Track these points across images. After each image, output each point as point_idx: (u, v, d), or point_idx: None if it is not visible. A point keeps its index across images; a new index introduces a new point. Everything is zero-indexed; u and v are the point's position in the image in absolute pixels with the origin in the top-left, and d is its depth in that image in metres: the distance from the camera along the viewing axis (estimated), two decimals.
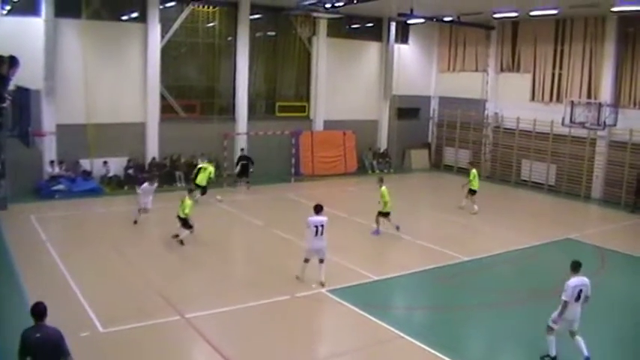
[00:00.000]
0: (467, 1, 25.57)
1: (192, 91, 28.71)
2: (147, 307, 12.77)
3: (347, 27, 32.31)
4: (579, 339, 10.67)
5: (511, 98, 31.30)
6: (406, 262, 16.70)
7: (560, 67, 29.19)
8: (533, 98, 30.48)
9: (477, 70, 33.25)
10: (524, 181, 30.51)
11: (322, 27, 31.00)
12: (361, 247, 18.69)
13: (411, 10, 26.79)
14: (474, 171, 23.66)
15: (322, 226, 13.89)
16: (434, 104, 35.93)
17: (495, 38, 32.13)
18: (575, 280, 10.55)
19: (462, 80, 33.78)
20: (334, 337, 12.49)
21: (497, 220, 22.70)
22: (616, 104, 26.85)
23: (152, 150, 26.74)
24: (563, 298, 10.48)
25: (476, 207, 23.22)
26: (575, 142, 28.33)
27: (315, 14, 28.74)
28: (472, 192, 23.69)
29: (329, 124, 31.72)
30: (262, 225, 20.21)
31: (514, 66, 31.61)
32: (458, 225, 21.81)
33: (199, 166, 23.62)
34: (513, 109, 31.00)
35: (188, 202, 17.24)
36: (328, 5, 24.85)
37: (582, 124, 27.31)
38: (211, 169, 23.24)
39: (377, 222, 19.43)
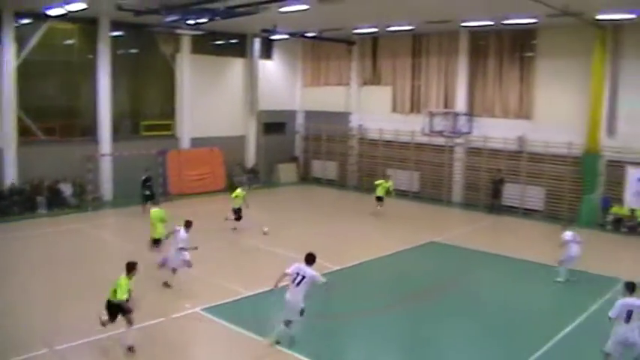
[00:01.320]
0: (328, 18, 26.22)
1: (52, 112, 27.06)
2: (14, 340, 11.70)
3: (211, 43, 32.01)
4: None
5: (373, 110, 32.58)
6: (277, 275, 16.59)
7: (419, 80, 30.74)
8: (394, 109, 31.87)
9: (340, 84, 34.28)
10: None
11: (186, 44, 30.50)
12: (232, 262, 18.56)
13: (275, 27, 27.07)
14: (382, 181, 25.77)
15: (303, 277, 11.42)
16: (300, 118, 36.53)
17: (357, 53, 33.34)
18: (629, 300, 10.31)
19: (326, 94, 34.65)
20: (211, 357, 12.13)
21: (366, 229, 23.45)
22: (471, 113, 28.71)
23: (10, 175, 24.76)
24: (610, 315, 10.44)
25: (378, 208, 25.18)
26: (435, 150, 29.97)
27: (178, 31, 28.16)
28: (378, 199, 25.35)
29: (196, 142, 31.21)
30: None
31: (375, 79, 32.87)
32: (328, 235, 22.18)
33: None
34: (376, 121, 32.28)
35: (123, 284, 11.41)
36: (191, 22, 24.43)
37: (441, 133, 28.91)
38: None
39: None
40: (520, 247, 21.23)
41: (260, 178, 33.61)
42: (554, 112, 26.50)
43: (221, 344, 12.54)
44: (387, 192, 25.93)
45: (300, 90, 36.27)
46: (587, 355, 12.03)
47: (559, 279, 17.23)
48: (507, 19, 23.87)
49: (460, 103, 29.04)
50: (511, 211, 27.43)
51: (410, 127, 30.16)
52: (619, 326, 10.31)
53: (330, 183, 33.71)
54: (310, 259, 11.65)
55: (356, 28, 28.53)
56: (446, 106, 29.50)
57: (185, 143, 30.97)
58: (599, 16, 22.11)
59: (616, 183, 25.56)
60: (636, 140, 24.75)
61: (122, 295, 11.08)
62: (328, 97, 34.17)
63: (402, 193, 30.30)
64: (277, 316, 12.26)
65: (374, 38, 32.11)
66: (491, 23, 24.83)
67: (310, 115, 35.59)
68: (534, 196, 27.35)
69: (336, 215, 25.91)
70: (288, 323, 11.54)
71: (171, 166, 29.52)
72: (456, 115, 28.58)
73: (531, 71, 27.53)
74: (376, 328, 13.48)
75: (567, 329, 13.59)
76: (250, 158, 34.21)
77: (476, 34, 28.23)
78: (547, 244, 19.84)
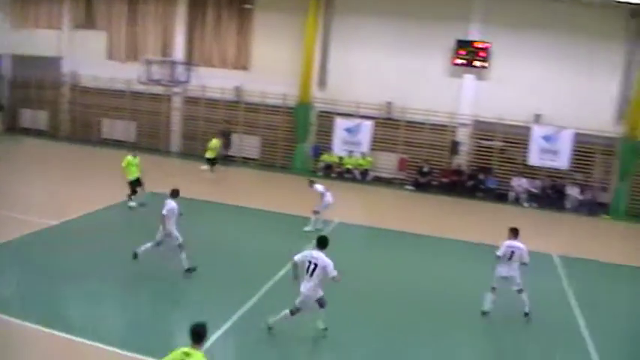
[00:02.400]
0: None
1: None
2: None
3: None
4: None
5: (88, 56, 30.03)
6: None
7: (136, 26, 29.15)
8: (110, 56, 29.83)
9: (51, 27, 30.95)
10: (106, 139, 29.65)
11: None
12: None
13: None
14: (214, 141, 23.50)
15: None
16: (6, 63, 32.18)
17: None
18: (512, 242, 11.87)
19: (36, 37, 31.09)
20: None
21: (82, 181, 21.40)
22: (189, 62, 28.00)
23: None
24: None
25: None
26: (153, 100, 28.73)
27: None
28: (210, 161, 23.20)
29: None
30: None
31: (89, 23, 30.43)
32: (42, 189, 19.76)
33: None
34: (90, 68, 29.82)
35: None
36: None
37: (158, 82, 27.71)
38: None
39: None
40: (242, 195, 21.32)
41: None
42: (271, 64, 27.10)
43: None
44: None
45: (7, 31, 31.84)
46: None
47: (307, 228, 17.15)
48: None
49: (178, 52, 28.16)
50: (230, 160, 27.19)
51: (126, 75, 28.38)
52: (502, 264, 11.88)
53: (40, 134, 30.34)
54: (322, 243, 10.09)
55: None
56: (164, 55, 28.35)
57: None
58: None
59: (326, 132, 26.91)
60: (344, 93, 26.34)
61: None
62: (39, 41, 30.63)
63: (118, 143, 28.46)
64: None
65: None
66: None
67: (18, 59, 31.51)
68: (251, 145, 27.61)
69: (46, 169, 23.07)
70: (295, 311, 10.00)
71: None
72: (174, 63, 27.67)
73: (249, 23, 27.85)
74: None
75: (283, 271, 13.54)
76: None
77: None
78: (265, 191, 20.43)
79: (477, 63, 25.59)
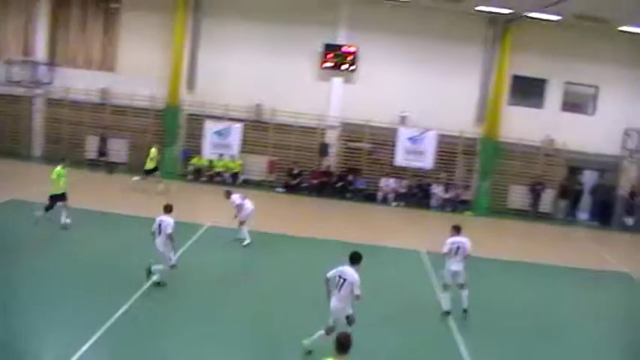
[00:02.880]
0: None
1: None
2: None
3: None
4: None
5: None
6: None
7: None
8: None
9: None
10: None
11: None
12: None
13: None
14: (152, 149, 22.79)
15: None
16: None
17: None
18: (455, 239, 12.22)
19: None
20: None
21: None
22: (52, 63, 26.76)
23: None
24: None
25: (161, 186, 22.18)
26: (13, 101, 27.17)
27: None
28: (147, 172, 22.50)
29: None
30: None
31: None
32: None
33: None
34: None
35: None
36: None
37: (19, 83, 26.36)
38: None
39: None
40: (110, 201, 20.33)
41: None
42: (138, 66, 26.38)
43: None
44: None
45: None
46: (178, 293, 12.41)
47: (244, 240, 16.52)
48: None
49: (40, 52, 26.83)
50: (93, 164, 26.17)
51: None
52: (450, 260, 12.35)
53: None
54: (356, 259, 9.92)
55: None
56: (25, 55, 26.91)
57: None
58: None
59: (195, 136, 26.42)
60: (213, 95, 26.00)
61: None
62: None
63: None
64: None
65: None
66: None
67: None
68: (118, 149, 26.66)
69: None
70: (330, 331, 9.66)
71: None
72: (36, 64, 26.34)
73: (116, 23, 27.02)
74: None
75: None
76: None
77: None
78: (139, 196, 20.08)
79: (344, 66, 25.89)
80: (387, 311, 12.67)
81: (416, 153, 25.91)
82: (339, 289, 9.72)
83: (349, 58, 25.81)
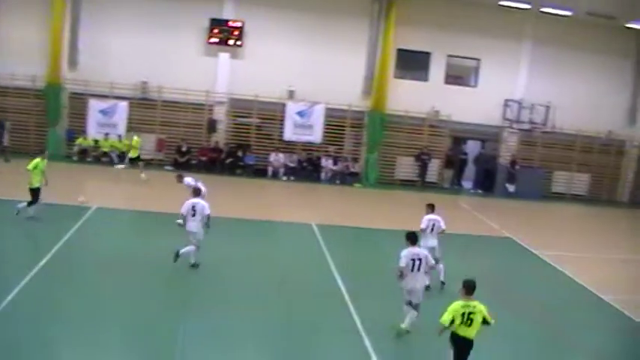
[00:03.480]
0: None
1: None
2: None
3: None
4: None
5: None
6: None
7: None
8: None
9: None
10: None
11: None
12: None
13: None
14: (135, 138, 22.80)
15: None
16: None
17: None
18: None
19: None
20: None
21: None
22: None
23: None
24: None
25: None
26: None
27: None
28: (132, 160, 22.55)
29: None
30: None
31: None
32: None
33: None
34: None
35: None
36: None
37: None
38: None
39: None
40: None
41: None
42: (17, 44, 25.22)
43: None
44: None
45: None
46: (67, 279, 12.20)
47: None
48: None
49: None
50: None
51: None
52: (426, 236, 12.85)
53: None
54: (414, 238, 10.96)
55: None
56: None
57: None
58: None
59: (79, 115, 25.72)
60: (97, 73, 25.27)
61: None
62: None
63: None
64: None
65: None
66: None
67: None
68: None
69: None
70: (416, 307, 10.66)
71: None
72: None
73: None
74: None
75: (44, 260, 12.91)
76: None
77: None
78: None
79: (231, 42, 25.71)
80: (282, 284, 13.05)
81: (305, 127, 26.10)
82: (419, 269, 10.59)
83: (235, 33, 25.68)
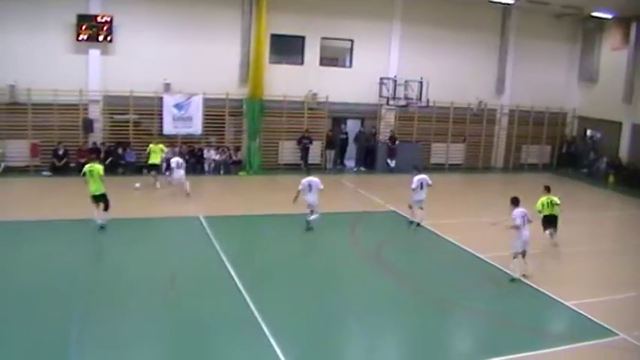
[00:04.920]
0: None
1: None
2: None
3: None
4: None
5: None
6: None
7: None
8: None
9: None
10: None
11: None
12: None
13: None
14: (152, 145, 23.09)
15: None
16: None
17: None
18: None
19: None
20: None
21: None
22: None
23: None
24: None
25: None
26: None
27: None
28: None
29: None
30: None
31: None
32: None
33: None
34: None
35: None
36: None
37: None
38: None
39: None
40: None
41: None
42: None
43: None
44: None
45: None
46: None
47: None
48: None
49: None
50: None
51: None
52: (417, 192, 17.76)
53: None
54: (518, 200, 14.08)
55: None
56: None
57: None
58: None
59: None
60: None
61: None
62: None
63: None
64: None
65: None
66: None
67: None
68: None
69: None
70: (524, 255, 13.93)
71: None
72: None
73: None
74: None
75: None
76: None
77: None
78: None
79: (101, 37, 25.15)
80: (176, 281, 13.06)
81: (184, 119, 26.10)
82: (525, 224, 13.69)
83: (105, 28, 25.12)
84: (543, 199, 16.29)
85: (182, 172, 21.46)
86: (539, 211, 16.05)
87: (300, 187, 16.85)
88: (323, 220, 17.78)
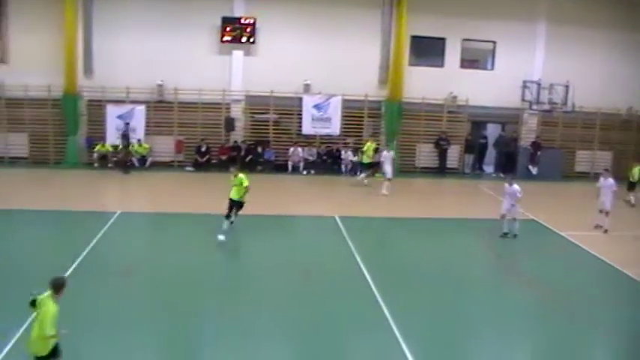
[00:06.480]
0: None
1: None
2: None
3: None
4: None
5: None
6: None
7: None
8: None
9: None
10: None
11: None
12: None
13: None
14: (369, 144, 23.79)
15: None
16: None
17: None
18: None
19: None
20: None
21: None
22: None
23: None
24: None
25: None
26: None
27: None
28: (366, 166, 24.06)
29: None
30: None
31: None
32: None
33: None
34: None
35: None
36: None
37: None
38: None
39: None
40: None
41: None
42: (32, 55, 25.29)
43: None
44: None
45: None
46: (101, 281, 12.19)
47: None
48: None
49: None
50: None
51: None
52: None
53: None
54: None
55: None
56: None
57: None
58: None
59: (98, 122, 25.74)
60: (112, 79, 25.31)
61: None
62: None
63: None
64: None
65: None
66: None
67: None
68: (18, 143, 25.72)
69: None
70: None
71: None
72: None
73: (4, 13, 25.80)
74: None
75: (74, 265, 12.91)
76: None
77: None
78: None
79: (244, 39, 25.62)
80: (311, 278, 12.98)
81: (322, 120, 25.98)
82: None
83: (248, 30, 25.60)
84: None
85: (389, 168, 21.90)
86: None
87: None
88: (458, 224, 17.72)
